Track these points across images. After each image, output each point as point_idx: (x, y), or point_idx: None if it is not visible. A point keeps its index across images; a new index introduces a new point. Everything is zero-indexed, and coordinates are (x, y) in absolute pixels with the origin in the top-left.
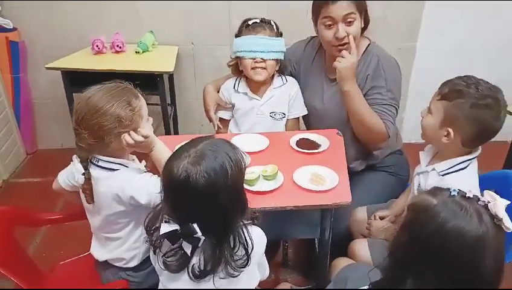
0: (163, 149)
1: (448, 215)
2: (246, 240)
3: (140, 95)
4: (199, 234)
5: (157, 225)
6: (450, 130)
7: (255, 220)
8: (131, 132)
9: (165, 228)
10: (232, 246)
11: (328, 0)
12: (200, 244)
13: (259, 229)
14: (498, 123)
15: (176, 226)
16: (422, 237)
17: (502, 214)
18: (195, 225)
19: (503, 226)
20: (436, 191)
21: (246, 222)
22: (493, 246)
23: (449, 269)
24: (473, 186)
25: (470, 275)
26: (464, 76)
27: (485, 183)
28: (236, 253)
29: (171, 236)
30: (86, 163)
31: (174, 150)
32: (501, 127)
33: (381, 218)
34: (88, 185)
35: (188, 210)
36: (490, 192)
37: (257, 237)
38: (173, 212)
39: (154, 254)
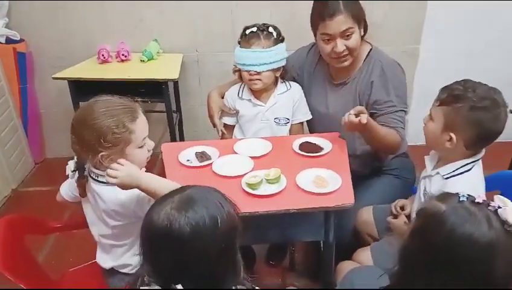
0: (154, 184)
1: (457, 222)
2: None
3: (140, 118)
4: None
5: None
6: (452, 134)
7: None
8: (114, 164)
9: None
10: None
11: (325, 16)
12: None
13: None
14: (498, 124)
15: (157, 288)
16: (432, 244)
17: None
18: (179, 287)
19: None
20: (445, 196)
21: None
22: (504, 252)
23: (459, 275)
24: (477, 188)
25: (480, 281)
26: (462, 80)
27: (490, 184)
28: None
29: None
30: (81, 165)
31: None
32: (503, 128)
33: (402, 208)
34: (83, 179)
35: (171, 267)
36: (501, 197)
37: None
38: (154, 270)
39: None
